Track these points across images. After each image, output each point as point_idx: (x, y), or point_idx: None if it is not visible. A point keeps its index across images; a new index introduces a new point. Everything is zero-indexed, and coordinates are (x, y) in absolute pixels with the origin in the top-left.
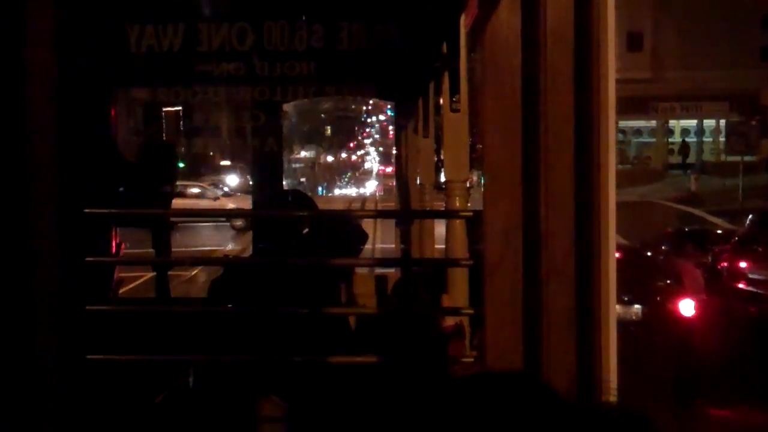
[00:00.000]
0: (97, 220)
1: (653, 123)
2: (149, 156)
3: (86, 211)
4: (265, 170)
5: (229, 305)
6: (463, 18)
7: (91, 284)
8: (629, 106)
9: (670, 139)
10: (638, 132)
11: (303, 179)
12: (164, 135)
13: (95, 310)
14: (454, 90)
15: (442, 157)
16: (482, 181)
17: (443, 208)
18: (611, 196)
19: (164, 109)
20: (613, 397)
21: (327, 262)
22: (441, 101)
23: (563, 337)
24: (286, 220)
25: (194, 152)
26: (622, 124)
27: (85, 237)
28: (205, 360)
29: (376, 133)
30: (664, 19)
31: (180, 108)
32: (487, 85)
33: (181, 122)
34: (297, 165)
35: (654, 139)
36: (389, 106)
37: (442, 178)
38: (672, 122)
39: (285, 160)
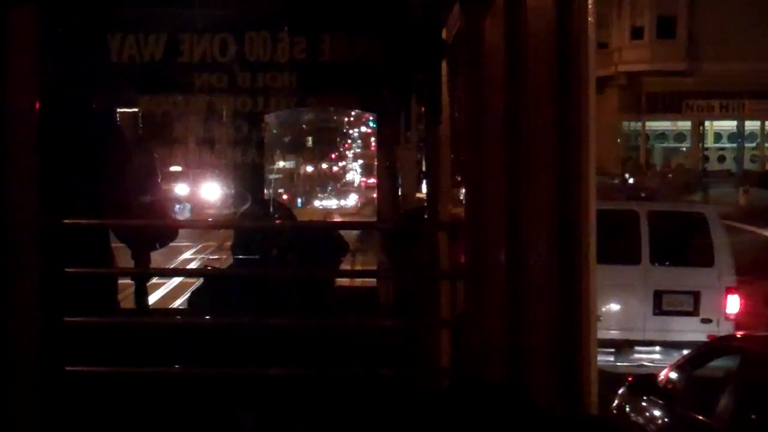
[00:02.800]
0: (92, 230)
1: (680, 126)
2: (129, 163)
3: (66, 221)
4: (247, 181)
5: (209, 316)
6: (444, 31)
7: (96, 294)
8: (658, 104)
9: (701, 144)
10: (662, 136)
11: (281, 190)
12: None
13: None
14: (436, 102)
15: (424, 168)
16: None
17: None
18: (591, 208)
19: (119, 110)
20: (594, 410)
21: (309, 272)
22: (423, 112)
23: (545, 348)
24: (267, 230)
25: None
26: (642, 125)
27: (68, 247)
28: (184, 372)
29: (358, 147)
30: (701, 0)
31: (137, 110)
32: (469, 97)
33: (140, 126)
34: (275, 176)
35: (681, 145)
36: (371, 118)
37: (424, 190)
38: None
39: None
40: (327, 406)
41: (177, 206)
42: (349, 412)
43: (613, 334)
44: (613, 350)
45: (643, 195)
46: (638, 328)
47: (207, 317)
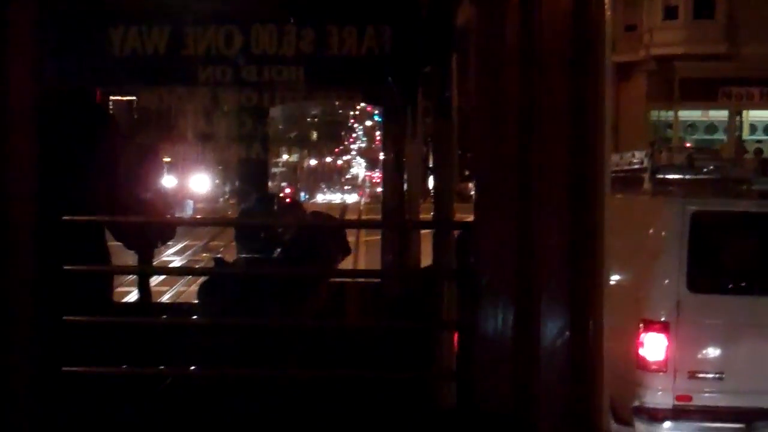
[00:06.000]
0: (86, 226)
1: (711, 115)
2: (129, 157)
3: (65, 218)
4: (250, 176)
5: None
6: (455, 23)
7: (90, 291)
8: (692, 90)
9: (740, 135)
10: (693, 127)
11: (284, 184)
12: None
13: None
14: (445, 95)
15: (430, 164)
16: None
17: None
18: (603, 210)
19: (112, 98)
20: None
21: (311, 271)
22: (431, 106)
23: (555, 361)
24: (269, 227)
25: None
26: (675, 115)
27: (66, 244)
28: (185, 372)
29: (362, 143)
30: None
31: (134, 98)
32: (482, 94)
33: (135, 115)
34: (279, 169)
35: (715, 137)
36: (376, 112)
37: (430, 185)
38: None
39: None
40: (319, 412)
41: (188, 203)
42: (342, 415)
43: (743, 400)
44: (742, 425)
45: None
46: None
47: (200, 317)
